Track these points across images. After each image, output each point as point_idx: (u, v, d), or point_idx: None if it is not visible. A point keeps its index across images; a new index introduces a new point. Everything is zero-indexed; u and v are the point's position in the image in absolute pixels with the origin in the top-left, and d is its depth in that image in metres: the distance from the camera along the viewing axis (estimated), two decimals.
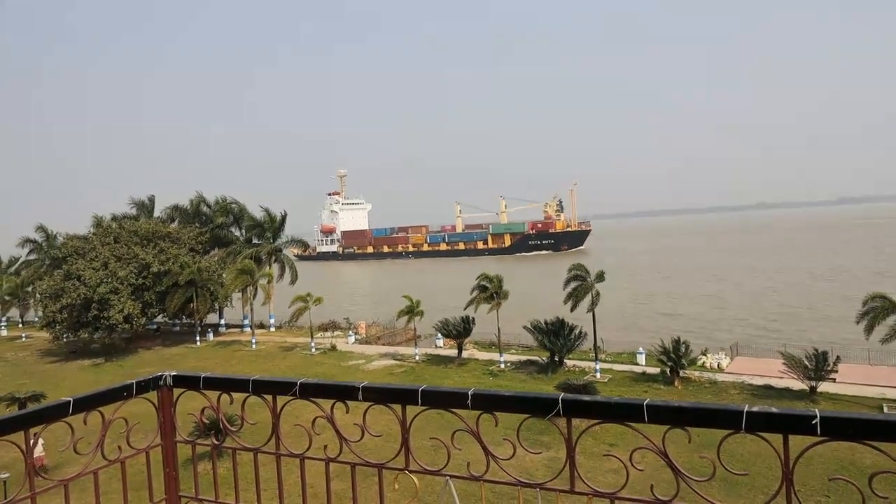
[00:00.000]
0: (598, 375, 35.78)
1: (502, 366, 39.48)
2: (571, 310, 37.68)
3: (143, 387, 2.89)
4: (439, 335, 45.67)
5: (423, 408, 2.41)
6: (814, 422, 1.83)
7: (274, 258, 62.42)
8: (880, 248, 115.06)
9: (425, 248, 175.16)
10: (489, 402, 2.31)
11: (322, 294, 49.96)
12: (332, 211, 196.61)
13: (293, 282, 60.46)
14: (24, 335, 62.93)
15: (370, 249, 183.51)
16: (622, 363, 38.98)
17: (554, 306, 40.48)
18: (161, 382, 2.96)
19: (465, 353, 42.91)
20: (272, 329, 59.08)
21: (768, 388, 31.77)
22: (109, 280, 49.42)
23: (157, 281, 52.75)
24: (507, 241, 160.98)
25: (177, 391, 2.99)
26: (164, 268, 52.70)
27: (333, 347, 48.09)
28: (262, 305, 57.74)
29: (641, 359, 38.31)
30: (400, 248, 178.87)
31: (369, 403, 2.53)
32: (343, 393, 2.56)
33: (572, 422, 2.21)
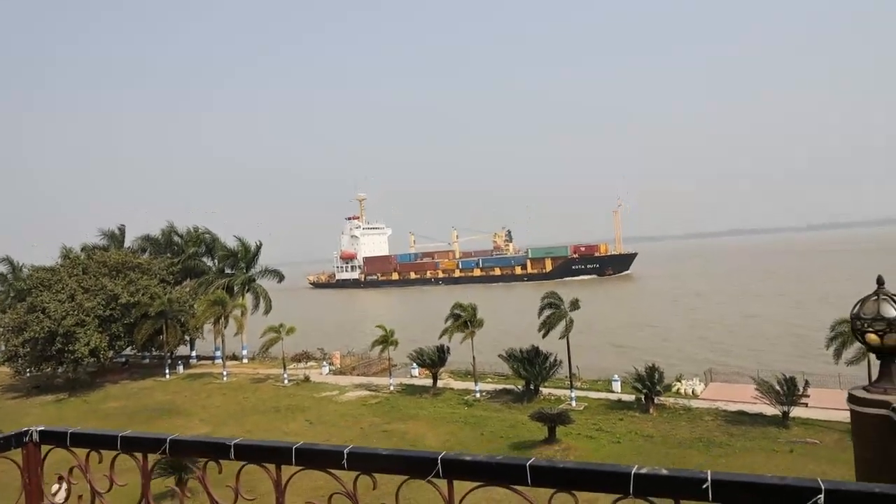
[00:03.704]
0: (574, 404, 35.51)
1: (478, 395, 39.04)
2: (543, 336, 37.55)
3: (4, 444, 2.61)
4: (415, 365, 45.15)
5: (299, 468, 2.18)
6: (704, 486, 1.65)
7: (247, 288, 61.57)
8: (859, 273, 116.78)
9: (457, 273, 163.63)
10: (367, 462, 2.08)
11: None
12: (352, 236, 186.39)
13: (267, 312, 59.61)
14: None
15: (395, 276, 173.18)
16: (598, 391, 38.78)
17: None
18: (26, 439, 2.67)
19: (440, 383, 42.40)
20: (245, 360, 57.98)
21: (742, 413, 31.76)
22: (75, 312, 48.11)
23: (125, 312, 51.51)
24: (548, 266, 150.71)
25: (45, 448, 2.71)
26: (134, 299, 51.52)
27: (307, 379, 47.22)
28: (235, 336, 56.70)
29: (617, 386, 38.18)
30: (428, 275, 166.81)
31: (243, 462, 2.28)
32: (215, 450, 2.31)
33: (454, 484, 1.99)
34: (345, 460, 2.08)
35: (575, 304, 37.45)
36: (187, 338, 58.45)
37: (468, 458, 1.95)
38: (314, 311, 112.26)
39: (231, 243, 63.51)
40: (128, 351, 59.06)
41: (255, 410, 39.48)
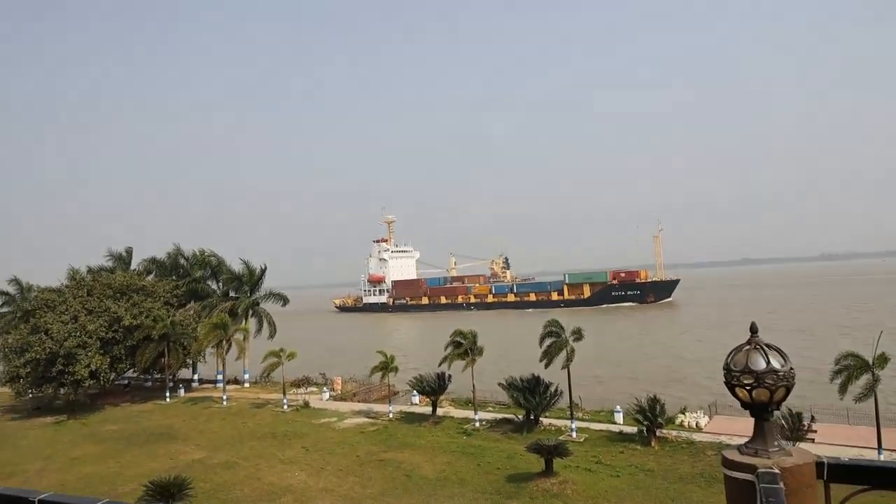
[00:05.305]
0: (574, 435, 34.80)
1: (477, 424, 38.38)
2: (546, 366, 36.86)
3: None
4: (415, 392, 44.64)
5: None
6: None
7: (251, 312, 61.48)
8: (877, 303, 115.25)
9: (490, 298, 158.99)
10: None
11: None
12: (380, 259, 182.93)
13: (271, 336, 59.38)
14: None
15: (425, 301, 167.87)
16: (600, 422, 38.00)
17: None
18: None
19: (440, 411, 41.82)
20: (246, 385, 57.70)
21: None
22: (78, 333, 48.14)
23: (128, 335, 51.52)
24: (587, 292, 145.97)
25: None
26: (137, 321, 51.56)
27: (306, 404, 46.78)
28: (236, 360, 56.48)
29: (619, 417, 37.43)
30: (460, 300, 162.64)
31: None
32: None
33: None
34: None
35: (578, 334, 36.84)
36: (189, 361, 58.29)
37: None
38: (330, 336, 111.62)
39: (237, 267, 63.67)
40: (130, 373, 58.98)
41: (252, 436, 39.03)
